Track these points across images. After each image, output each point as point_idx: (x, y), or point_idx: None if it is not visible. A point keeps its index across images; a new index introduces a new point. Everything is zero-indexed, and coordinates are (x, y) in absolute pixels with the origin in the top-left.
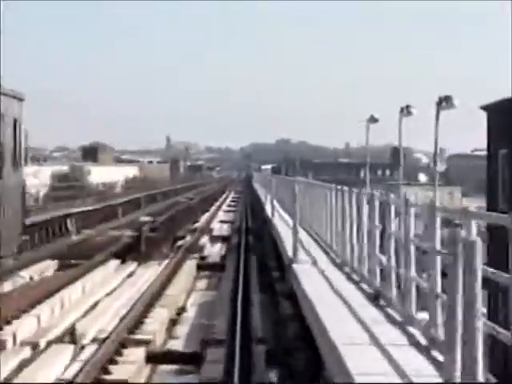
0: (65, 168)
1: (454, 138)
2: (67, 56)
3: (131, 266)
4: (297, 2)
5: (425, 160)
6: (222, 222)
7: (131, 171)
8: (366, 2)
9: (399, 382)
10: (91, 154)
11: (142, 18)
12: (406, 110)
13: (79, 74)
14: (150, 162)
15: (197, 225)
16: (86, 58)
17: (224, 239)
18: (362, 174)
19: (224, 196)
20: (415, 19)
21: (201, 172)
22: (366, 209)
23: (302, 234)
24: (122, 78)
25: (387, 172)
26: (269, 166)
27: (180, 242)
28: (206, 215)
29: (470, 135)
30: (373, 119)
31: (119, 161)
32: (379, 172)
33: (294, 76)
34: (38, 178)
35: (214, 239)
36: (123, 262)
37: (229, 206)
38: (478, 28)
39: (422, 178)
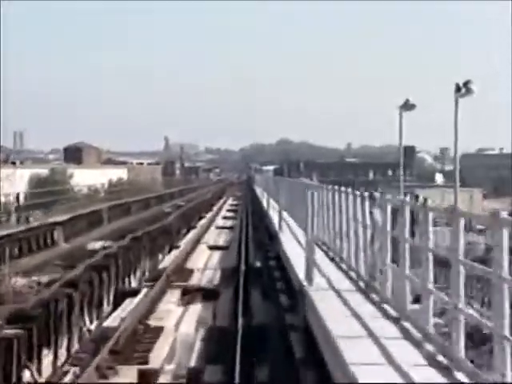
0: (44, 171)
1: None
2: (65, 56)
3: None
4: (296, 1)
5: (429, 160)
6: (211, 248)
7: (118, 174)
8: (367, 3)
9: None
10: (75, 155)
11: (141, 18)
12: (464, 88)
13: (78, 74)
14: (141, 164)
15: (170, 259)
16: (85, 59)
17: (208, 295)
18: (370, 175)
19: (220, 203)
20: (414, 19)
21: (197, 174)
22: None
23: None
24: (121, 78)
25: (398, 172)
26: (271, 168)
27: (119, 312)
28: (191, 235)
29: (472, 134)
30: (408, 106)
31: (106, 162)
32: (389, 172)
33: (295, 75)
34: (10, 182)
35: (188, 297)
36: None
37: (224, 218)
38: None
39: (439, 178)
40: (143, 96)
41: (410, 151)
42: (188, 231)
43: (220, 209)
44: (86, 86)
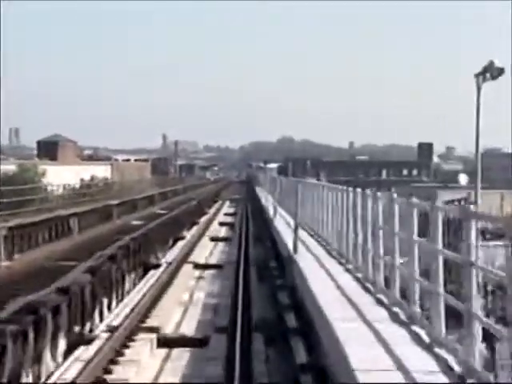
0: (12, 167)
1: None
2: (65, 56)
3: None
4: (296, 1)
5: (435, 159)
6: (169, 344)
7: (98, 172)
8: (367, 3)
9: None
10: (50, 149)
11: (141, 18)
12: None
13: (76, 72)
14: (127, 160)
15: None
16: (85, 59)
17: None
18: (383, 174)
19: (212, 212)
20: (414, 19)
21: (191, 173)
22: None
23: None
24: (121, 78)
25: (414, 172)
26: (275, 165)
27: None
28: (143, 289)
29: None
30: (494, 69)
31: (85, 159)
32: (404, 172)
33: (295, 75)
34: None
35: None
36: None
37: (213, 239)
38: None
39: (463, 179)
40: (143, 95)
41: (427, 149)
42: (145, 274)
43: (212, 220)
44: (86, 85)
